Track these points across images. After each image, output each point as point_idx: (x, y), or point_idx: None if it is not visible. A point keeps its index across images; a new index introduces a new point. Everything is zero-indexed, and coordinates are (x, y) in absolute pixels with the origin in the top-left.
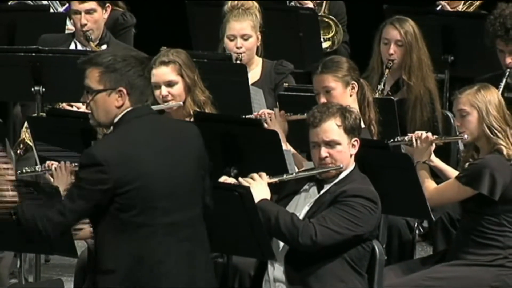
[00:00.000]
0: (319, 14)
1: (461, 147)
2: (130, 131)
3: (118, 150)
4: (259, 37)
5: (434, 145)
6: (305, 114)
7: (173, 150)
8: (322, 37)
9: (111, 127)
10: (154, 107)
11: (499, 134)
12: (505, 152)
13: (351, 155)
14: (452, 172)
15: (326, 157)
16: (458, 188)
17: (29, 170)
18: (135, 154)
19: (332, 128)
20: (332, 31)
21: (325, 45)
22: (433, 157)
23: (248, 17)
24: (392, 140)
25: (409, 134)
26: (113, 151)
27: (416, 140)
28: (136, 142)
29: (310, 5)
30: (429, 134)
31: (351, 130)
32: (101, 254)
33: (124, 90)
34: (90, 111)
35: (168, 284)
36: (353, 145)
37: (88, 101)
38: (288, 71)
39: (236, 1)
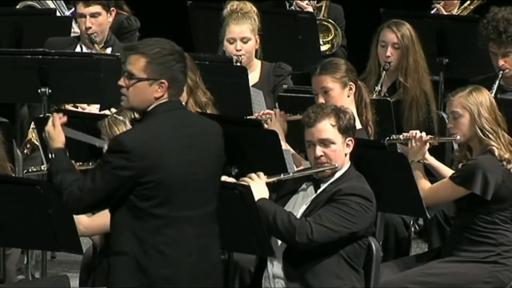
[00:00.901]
0: (319, 18)
1: (456, 146)
2: (159, 124)
3: (145, 142)
4: (258, 40)
5: (428, 144)
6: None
7: (195, 146)
8: (321, 40)
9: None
10: None
11: (490, 136)
12: (496, 153)
13: (345, 155)
14: (446, 170)
15: (321, 156)
16: (452, 188)
17: (35, 170)
18: (160, 147)
19: (326, 128)
20: (331, 35)
21: (324, 48)
22: (427, 155)
23: (247, 21)
24: (388, 138)
25: (404, 133)
26: (140, 142)
27: (410, 140)
28: (162, 136)
29: (310, 9)
30: (423, 134)
31: (345, 130)
32: (116, 237)
33: (166, 83)
34: (125, 94)
35: (179, 277)
36: (347, 144)
37: (126, 85)
38: (286, 73)
39: (235, 5)
